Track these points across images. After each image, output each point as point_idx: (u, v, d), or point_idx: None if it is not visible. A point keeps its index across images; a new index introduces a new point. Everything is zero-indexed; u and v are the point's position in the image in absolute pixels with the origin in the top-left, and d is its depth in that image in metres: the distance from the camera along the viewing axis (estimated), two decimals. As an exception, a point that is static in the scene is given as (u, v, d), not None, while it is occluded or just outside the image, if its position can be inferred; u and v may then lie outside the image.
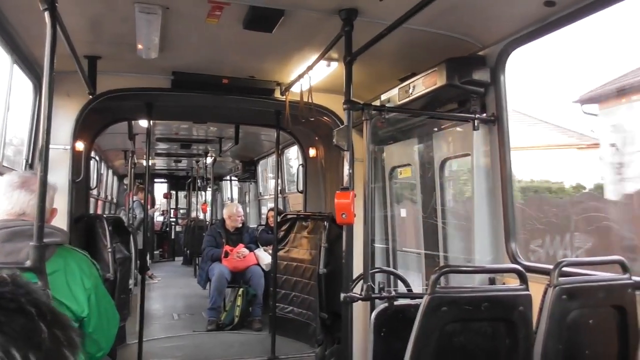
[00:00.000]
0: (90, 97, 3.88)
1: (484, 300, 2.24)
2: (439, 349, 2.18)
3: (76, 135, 4.08)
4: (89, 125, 5.11)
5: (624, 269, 2.54)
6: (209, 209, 12.65)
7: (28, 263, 2.02)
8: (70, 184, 3.97)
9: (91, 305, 2.31)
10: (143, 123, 5.99)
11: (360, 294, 3.09)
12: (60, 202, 3.86)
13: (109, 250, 4.72)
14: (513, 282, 2.54)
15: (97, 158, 7.49)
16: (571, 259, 3.07)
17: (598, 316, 2.47)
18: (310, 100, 3.85)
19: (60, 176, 3.86)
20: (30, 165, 3.85)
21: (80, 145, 4.81)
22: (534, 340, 2.36)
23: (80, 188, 4.97)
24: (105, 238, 4.79)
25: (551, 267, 2.44)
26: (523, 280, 2.38)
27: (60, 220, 3.68)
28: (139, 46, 3.49)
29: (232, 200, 13.93)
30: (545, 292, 2.38)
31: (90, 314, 2.32)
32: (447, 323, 2.21)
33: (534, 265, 3.22)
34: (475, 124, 3.45)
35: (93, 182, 6.14)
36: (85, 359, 2.41)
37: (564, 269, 2.51)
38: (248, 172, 11.65)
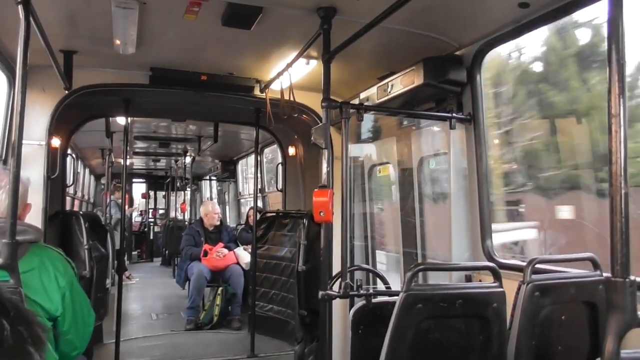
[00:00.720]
0: (66, 92, 3.82)
1: (458, 297, 2.27)
2: (415, 345, 2.21)
3: (52, 131, 4.01)
4: (66, 121, 5.03)
5: (595, 265, 2.61)
6: (187, 208, 12.55)
7: (0, 260, 1.99)
8: (46, 180, 3.90)
9: (65, 303, 2.28)
10: (121, 120, 5.92)
11: (339, 292, 3.10)
12: (35, 199, 3.78)
13: (85, 247, 4.65)
14: (489, 280, 2.58)
15: (73, 155, 7.37)
16: (544, 256, 3.12)
17: (570, 312, 2.52)
18: (291, 98, 3.85)
19: (34, 172, 3.79)
20: (4, 161, 3.78)
21: (56, 142, 4.74)
22: (507, 336, 2.40)
23: (56, 185, 4.88)
24: (81, 235, 4.72)
25: (524, 264, 2.49)
26: (497, 277, 2.42)
27: (35, 217, 3.62)
28: (116, 41, 3.45)
29: (211, 200, 13.86)
30: (518, 289, 2.43)
31: (64, 312, 2.29)
32: (423, 320, 2.23)
33: (509, 262, 3.27)
34: (452, 123, 3.50)
35: (69, 179, 6.04)
36: (59, 358, 2.38)
37: (539, 266, 2.57)
38: (227, 172, 11.60)
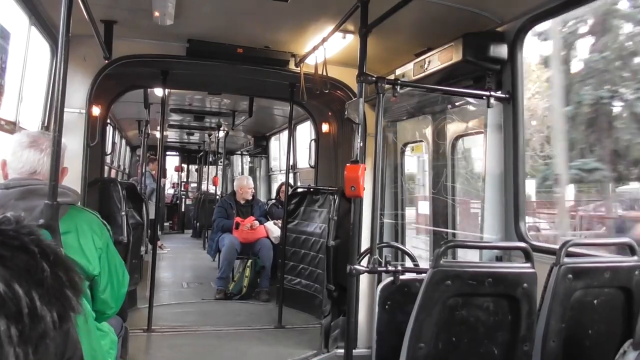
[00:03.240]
0: (106, 61, 3.90)
1: (487, 275, 2.26)
2: (441, 321, 2.21)
3: (92, 100, 4.11)
4: (105, 91, 5.15)
5: (632, 251, 2.54)
6: (220, 182, 12.72)
7: (42, 221, 2.07)
8: (85, 147, 4.02)
9: (102, 264, 2.37)
10: (158, 92, 6.01)
11: (367, 267, 3.12)
12: (75, 165, 3.94)
13: (123, 214, 4.80)
14: (520, 262, 2.54)
15: (112, 125, 7.56)
16: (578, 239, 3.06)
17: (603, 297, 2.47)
18: (324, 73, 3.83)
19: (75, 139, 3.91)
20: (45, 128, 3.91)
21: (96, 111, 4.86)
22: (536, 317, 2.38)
23: (95, 153, 5.03)
24: (119, 202, 4.87)
25: (558, 247, 2.45)
26: (528, 258, 2.38)
27: (75, 182, 3.76)
28: (155, 12, 3.48)
29: (243, 174, 14.00)
30: (550, 271, 2.39)
31: (101, 272, 2.38)
32: (450, 297, 2.23)
33: (541, 245, 3.21)
34: (490, 101, 3.42)
35: (108, 148, 6.21)
36: (96, 316, 2.48)
37: (571, 249, 2.52)
38: (260, 147, 11.68)
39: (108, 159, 9.02)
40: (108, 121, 6.20)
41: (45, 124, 3.94)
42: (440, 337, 2.23)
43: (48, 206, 2.06)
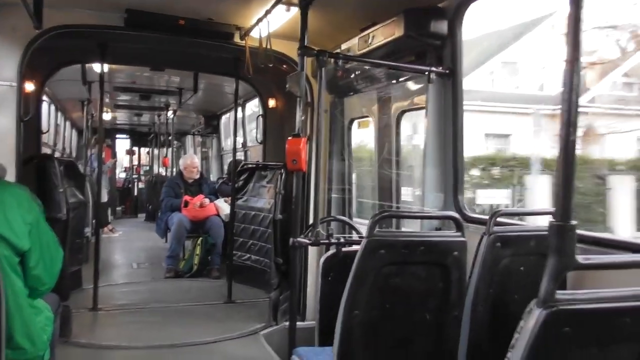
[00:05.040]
0: (37, 32, 3.71)
1: (420, 244, 2.34)
2: (375, 289, 2.28)
3: (23, 73, 3.91)
4: (40, 65, 4.92)
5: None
6: (170, 164, 12.50)
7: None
8: (18, 122, 3.84)
9: (32, 239, 2.31)
10: (97, 67, 5.78)
11: (310, 240, 3.17)
12: (8, 140, 3.77)
13: (60, 190, 4.65)
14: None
15: (53, 106, 7.24)
16: (507, 209, 3.19)
17: (529, 263, 2.60)
18: (269, 47, 3.78)
19: (6, 114, 3.74)
20: (-27, 102, 3.71)
21: (29, 86, 4.64)
22: (467, 284, 2.49)
23: (30, 129, 4.82)
24: (56, 178, 4.71)
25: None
26: (459, 227, 2.48)
27: (8, 158, 3.62)
28: (89, -21, 3.34)
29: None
30: (480, 240, 2.50)
31: (32, 248, 2.32)
32: (384, 265, 2.30)
33: (475, 216, 3.34)
34: (430, 77, 3.48)
35: (45, 126, 5.95)
36: (29, 293, 2.43)
37: (501, 219, 2.64)
38: (211, 127, 11.53)
39: (51, 141, 8.67)
40: (46, 99, 5.94)
41: (-27, 98, 3.73)
42: (374, 304, 2.30)
43: (-31, 181, 1.97)
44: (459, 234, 2.46)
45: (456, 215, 2.54)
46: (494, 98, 13.30)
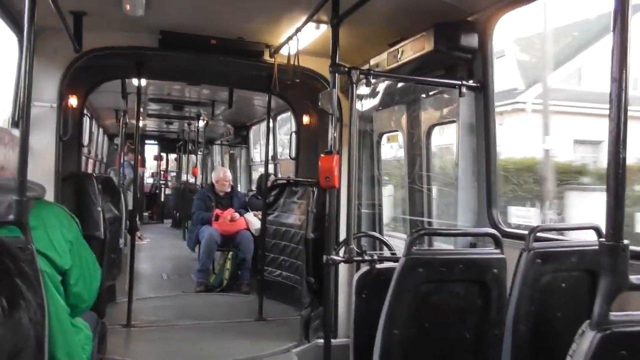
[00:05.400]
0: (77, 54, 3.83)
1: (458, 262, 2.30)
2: (413, 307, 2.26)
3: (64, 93, 4.04)
4: (80, 83, 5.06)
5: (599, 234, 2.61)
6: (199, 172, 12.64)
7: (11, 217, 2.04)
8: (57, 142, 3.95)
9: (73, 257, 2.36)
10: (135, 82, 5.95)
11: (343, 257, 3.15)
12: (47, 160, 3.89)
13: (99, 209, 4.74)
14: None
15: (88, 115, 7.43)
16: (546, 224, 3.13)
17: (570, 280, 2.54)
18: (297, 63, 3.83)
19: (46, 134, 3.86)
20: (16, 123, 3.83)
21: (72, 102, 4.78)
22: (507, 302, 2.43)
23: (70, 146, 4.95)
24: (94, 197, 4.81)
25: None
26: (498, 244, 2.44)
27: (47, 178, 3.72)
28: (126, 3, 3.44)
29: (222, 164, 13.90)
30: (520, 256, 2.45)
31: (72, 266, 2.37)
32: (422, 283, 2.27)
33: (512, 231, 3.28)
34: (462, 91, 3.45)
35: (85, 140, 6.12)
36: (70, 311, 2.47)
37: (540, 234, 2.58)
38: (240, 137, 11.61)
39: (85, 149, 8.90)
40: (85, 111, 6.10)
41: (16, 119, 3.86)
42: (413, 323, 2.27)
43: (17, 202, 2.02)
44: (498, 251, 2.42)
45: (495, 232, 2.50)
46: (584, 98, 11.00)
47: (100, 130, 11.39)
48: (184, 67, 5.63)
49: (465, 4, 3.34)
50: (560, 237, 2.78)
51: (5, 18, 3.47)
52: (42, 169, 3.73)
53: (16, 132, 2.45)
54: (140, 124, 11.70)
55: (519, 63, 12.80)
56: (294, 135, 6.91)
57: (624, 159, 1.28)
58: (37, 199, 2.27)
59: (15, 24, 3.60)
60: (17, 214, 2.02)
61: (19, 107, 3.83)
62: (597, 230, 2.60)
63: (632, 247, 1.32)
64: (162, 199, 16.16)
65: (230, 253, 7.19)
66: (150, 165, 17.96)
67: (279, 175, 8.58)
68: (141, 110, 7.26)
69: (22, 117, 2.15)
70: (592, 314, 1.33)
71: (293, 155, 6.94)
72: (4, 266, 0.68)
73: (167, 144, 17.00)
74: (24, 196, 2.06)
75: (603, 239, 1.32)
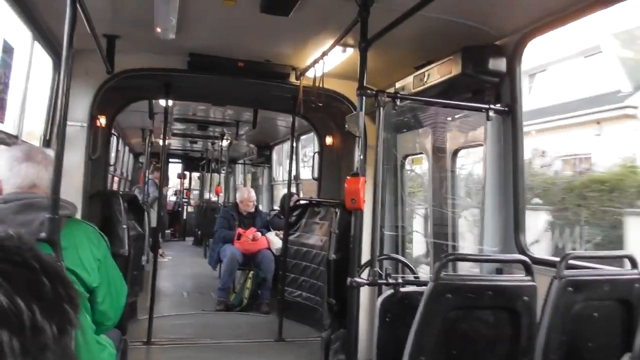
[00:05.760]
0: (109, 75, 3.94)
1: (488, 289, 2.26)
2: (442, 334, 2.21)
3: (94, 113, 4.14)
4: (109, 103, 5.19)
5: (633, 263, 2.54)
6: (222, 191, 12.74)
7: (43, 235, 2.08)
8: (87, 160, 4.04)
9: (101, 275, 2.38)
10: (162, 102, 6.07)
11: (367, 280, 3.12)
12: (76, 178, 3.96)
13: (124, 226, 4.81)
14: (519, 275, 2.54)
15: (116, 134, 7.60)
16: (578, 252, 3.06)
17: (603, 309, 2.47)
18: (321, 85, 3.86)
19: (76, 153, 3.94)
20: (47, 142, 3.93)
21: (101, 122, 4.90)
22: (537, 330, 2.37)
23: (98, 165, 5.05)
24: (120, 215, 4.88)
25: (558, 259, 2.45)
26: (528, 271, 2.39)
27: (76, 196, 3.79)
28: (157, 27, 3.52)
29: (244, 183, 13.98)
30: (550, 284, 2.39)
31: (100, 284, 2.39)
32: (451, 310, 2.23)
33: (541, 257, 3.22)
34: (489, 115, 3.44)
35: (112, 159, 6.24)
36: (95, 328, 2.49)
37: (572, 261, 2.52)
38: (262, 157, 11.70)
39: (111, 167, 9.08)
40: (112, 131, 6.24)
41: (47, 138, 3.96)
42: (441, 350, 2.23)
43: (50, 220, 2.07)
44: (528, 278, 2.37)
45: (525, 258, 2.45)
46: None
47: (126, 148, 11.61)
48: (211, 89, 5.74)
49: (493, 28, 3.34)
50: (593, 265, 2.71)
51: (42, 41, 3.59)
52: (72, 187, 3.80)
53: (49, 151, 2.51)
54: (166, 143, 11.98)
55: (622, 61, 11.36)
56: (316, 156, 6.94)
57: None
58: (68, 217, 2.31)
59: (51, 46, 3.72)
60: (50, 232, 2.06)
61: (51, 126, 3.94)
62: (631, 259, 2.53)
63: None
64: (185, 217, 16.28)
65: (251, 272, 7.18)
66: (174, 183, 18.18)
67: (301, 195, 8.59)
68: (167, 130, 7.40)
69: (57, 136, 2.21)
70: (633, 346, 1.29)
71: (315, 175, 6.96)
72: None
73: (191, 163, 17.23)
74: (56, 214, 2.11)
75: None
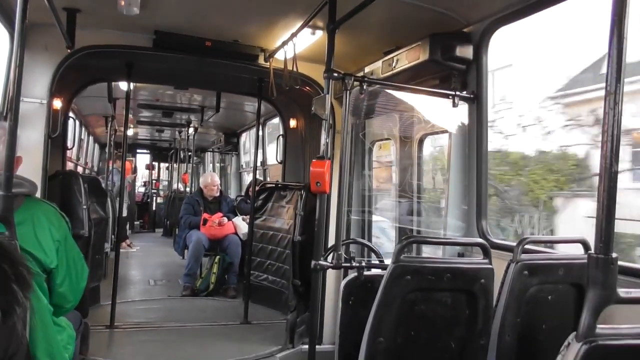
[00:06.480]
0: (69, 51, 3.79)
1: (446, 271, 2.30)
2: (400, 315, 2.25)
3: (53, 91, 4.00)
4: (68, 83, 5.02)
5: (586, 248, 2.62)
6: (189, 180, 12.60)
7: (-5, 212, 2.00)
8: (46, 139, 3.91)
9: (59, 257, 2.32)
10: (123, 86, 5.90)
11: (331, 263, 3.14)
12: (36, 157, 3.83)
13: (84, 207, 4.70)
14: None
15: (77, 121, 7.38)
16: (535, 236, 3.15)
17: (557, 292, 2.55)
18: (294, 69, 3.83)
19: (35, 130, 3.81)
20: (5, 118, 3.78)
21: (57, 103, 4.74)
22: (493, 312, 2.43)
23: (56, 145, 4.90)
24: (80, 195, 4.76)
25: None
26: (487, 254, 2.44)
27: (35, 174, 3.65)
28: (121, 1, 3.41)
29: (213, 171, 13.86)
30: (507, 268, 2.45)
31: (58, 265, 2.33)
32: (410, 291, 2.26)
33: (501, 242, 3.29)
34: (455, 101, 3.47)
35: (70, 141, 6.05)
36: (53, 310, 2.43)
37: (529, 246, 2.59)
38: (230, 144, 11.62)
39: (74, 155, 8.83)
40: (72, 115, 6.05)
41: (5, 114, 3.81)
42: (400, 331, 2.26)
43: (2, 197, 1.99)
44: (486, 261, 2.42)
45: (484, 242, 2.51)
46: None
47: (91, 138, 11.32)
48: (175, 70, 5.61)
49: (461, 14, 3.36)
50: (548, 249, 2.79)
51: (-2, 12, 3.44)
52: (31, 166, 3.68)
53: (4, 124, 2.41)
54: (131, 131, 11.79)
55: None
56: (281, 138, 6.92)
57: (616, 172, 1.29)
58: (27, 196, 2.24)
59: (7, 18, 3.56)
60: (2, 209, 1.99)
61: (7, 102, 3.79)
62: (584, 243, 2.62)
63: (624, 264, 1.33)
64: (154, 208, 16.08)
65: (218, 257, 7.14)
66: (143, 174, 17.87)
67: (268, 180, 8.56)
68: (130, 116, 7.23)
69: (10, 111, 2.12)
70: (578, 326, 1.33)
71: (280, 158, 6.94)
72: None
73: (159, 153, 17.03)
74: (9, 191, 2.03)
75: (592, 252, 1.32)
